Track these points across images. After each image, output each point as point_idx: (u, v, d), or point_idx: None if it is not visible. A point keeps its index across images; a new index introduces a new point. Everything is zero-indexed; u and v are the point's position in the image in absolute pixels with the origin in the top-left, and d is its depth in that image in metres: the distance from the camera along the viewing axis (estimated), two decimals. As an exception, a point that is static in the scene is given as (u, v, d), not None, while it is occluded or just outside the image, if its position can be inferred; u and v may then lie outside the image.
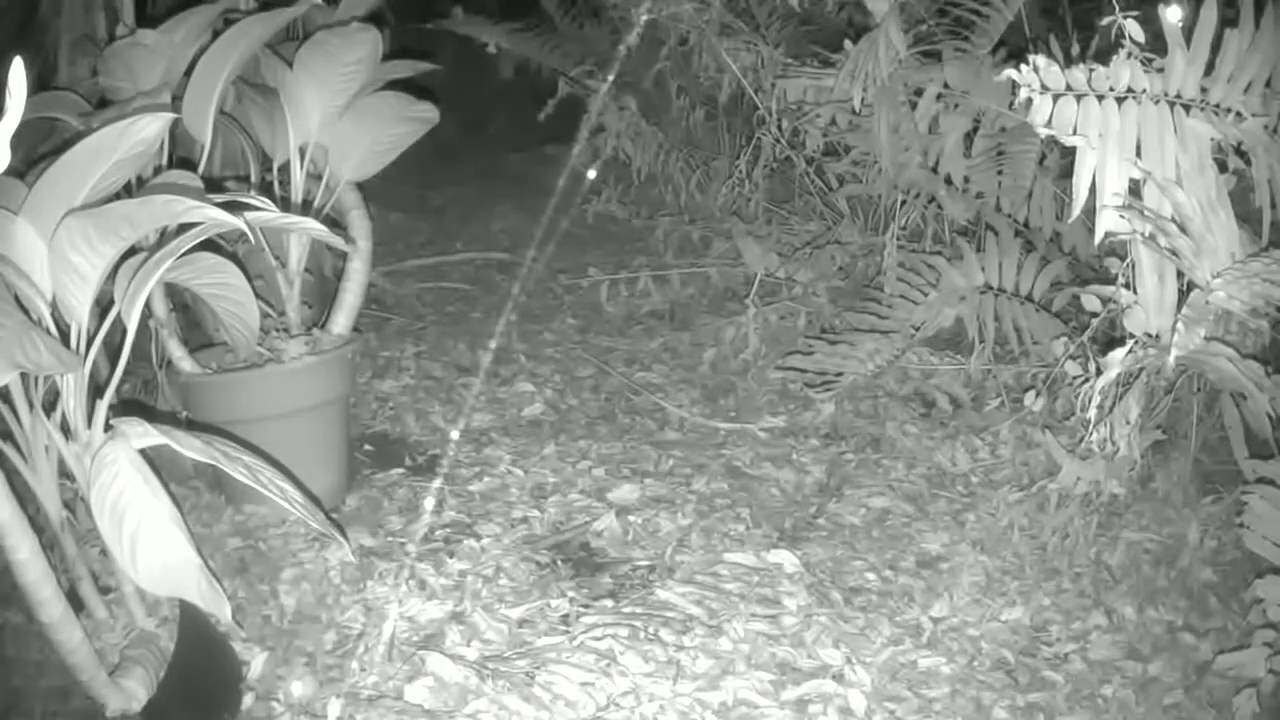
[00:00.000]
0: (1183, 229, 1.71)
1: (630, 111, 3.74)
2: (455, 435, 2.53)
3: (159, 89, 1.89)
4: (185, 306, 2.35)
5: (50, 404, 1.50)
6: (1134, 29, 1.66)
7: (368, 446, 2.46)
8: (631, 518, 2.17)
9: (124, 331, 1.51)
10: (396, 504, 2.20)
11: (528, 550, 2.04)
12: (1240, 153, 1.81)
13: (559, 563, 2.01)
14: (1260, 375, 1.79)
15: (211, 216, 1.35)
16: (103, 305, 1.52)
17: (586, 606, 1.87)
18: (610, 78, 3.79)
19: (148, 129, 1.40)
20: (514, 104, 4.48)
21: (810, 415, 2.59)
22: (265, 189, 2.15)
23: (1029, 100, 1.66)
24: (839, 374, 2.40)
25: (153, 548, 1.35)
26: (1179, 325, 1.73)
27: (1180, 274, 1.85)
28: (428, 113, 2.18)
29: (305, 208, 2.14)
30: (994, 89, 2.50)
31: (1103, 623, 1.86)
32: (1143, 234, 1.73)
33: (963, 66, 2.65)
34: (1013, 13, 2.68)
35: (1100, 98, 1.69)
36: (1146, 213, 1.70)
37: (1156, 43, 1.73)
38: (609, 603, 1.88)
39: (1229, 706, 1.64)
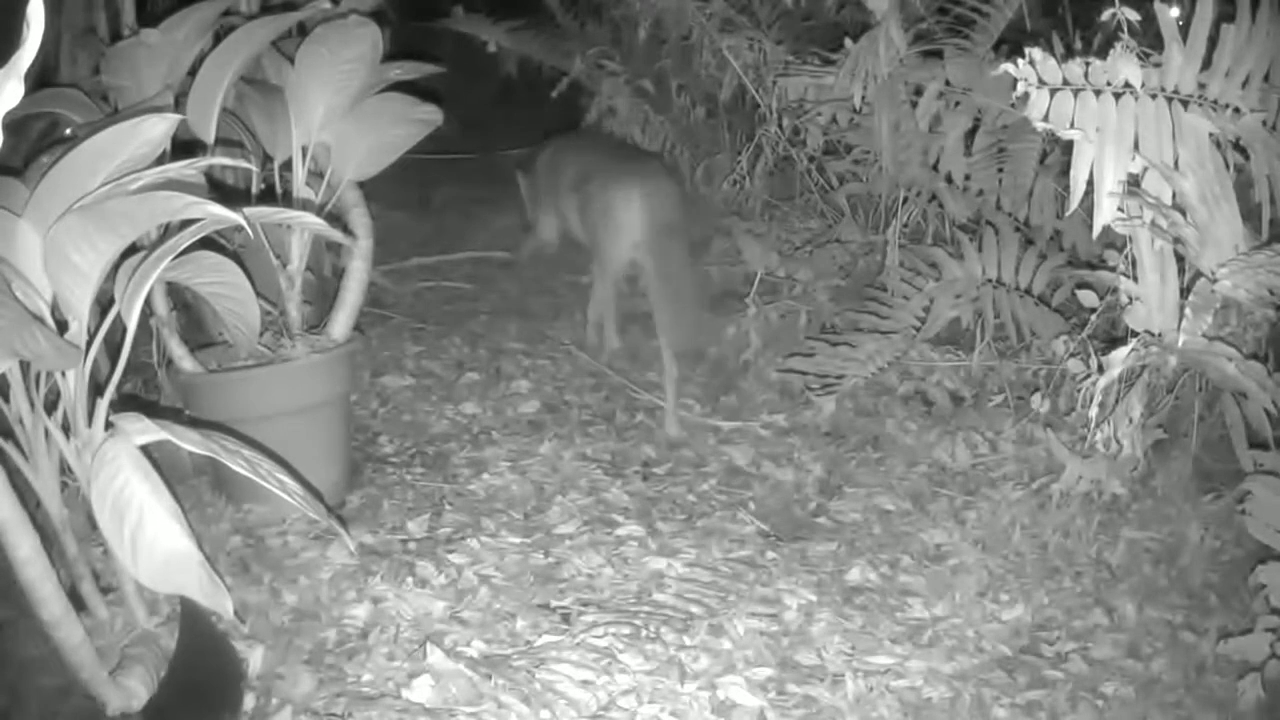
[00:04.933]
0: (1186, 217, 1.72)
1: (641, 99, 3.76)
2: (455, 433, 2.53)
3: (164, 93, 1.89)
4: (186, 305, 2.35)
5: (51, 402, 1.50)
6: (1131, 14, 1.67)
7: (369, 445, 2.47)
8: (631, 516, 2.17)
9: (124, 329, 1.51)
10: (397, 502, 2.20)
11: (528, 548, 2.04)
12: (1239, 147, 1.81)
13: (559, 560, 2.00)
14: (1262, 375, 1.80)
15: (211, 212, 1.35)
16: (103, 304, 1.52)
17: (586, 604, 1.87)
18: (614, 70, 3.81)
19: (155, 130, 1.40)
20: (514, 103, 4.48)
21: (811, 413, 2.59)
22: (266, 187, 2.15)
23: (1026, 94, 1.66)
24: (840, 376, 2.40)
25: (153, 543, 1.35)
26: (1187, 312, 1.74)
27: (1181, 273, 1.86)
28: (431, 115, 2.18)
29: (306, 205, 2.14)
30: (995, 86, 2.50)
31: (1104, 621, 1.86)
32: (1145, 222, 1.73)
33: (963, 64, 2.65)
34: (1013, 10, 2.68)
35: (1098, 92, 1.70)
36: (1149, 199, 1.71)
37: (1156, 40, 1.74)
38: (609, 601, 1.88)
39: (1230, 705, 1.64)
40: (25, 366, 1.45)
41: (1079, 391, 2.02)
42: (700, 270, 2.66)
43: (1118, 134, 1.70)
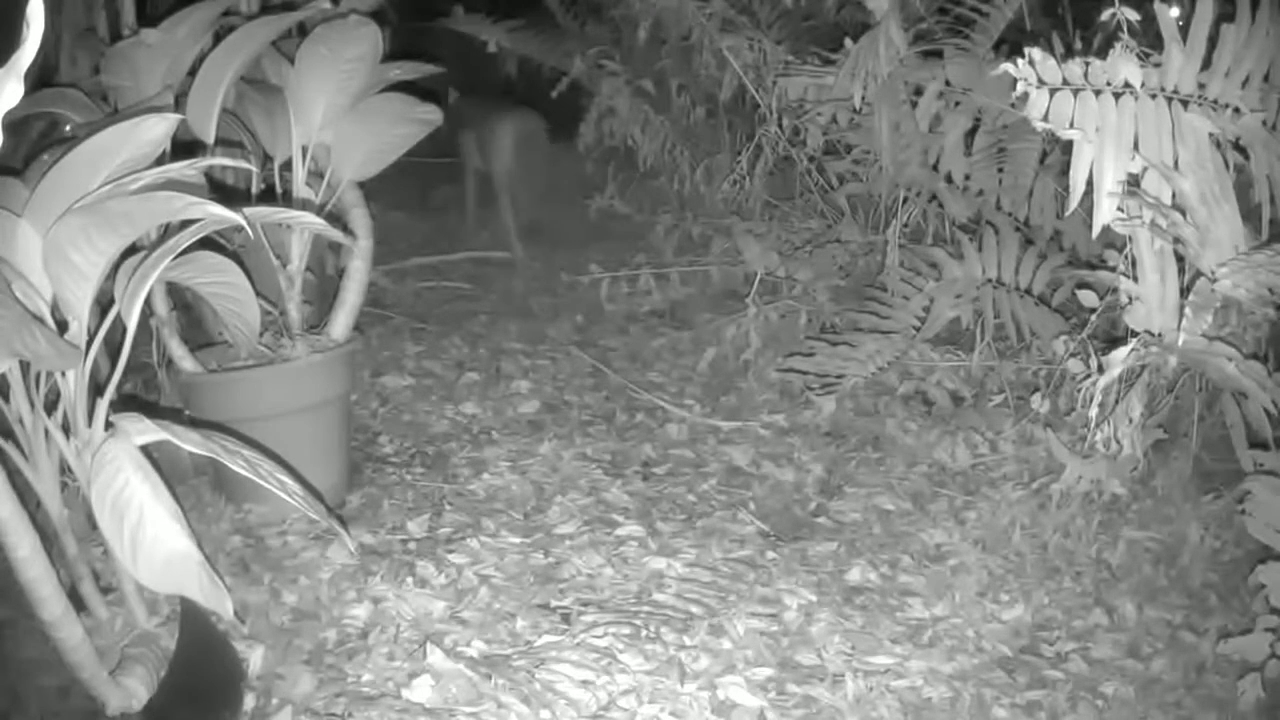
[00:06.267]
0: (1186, 217, 1.72)
1: (641, 100, 3.77)
2: (455, 433, 2.53)
3: (164, 93, 1.89)
4: (186, 305, 2.35)
5: (51, 402, 1.50)
6: (1131, 14, 1.67)
7: (369, 445, 2.47)
8: (631, 516, 2.17)
9: (124, 329, 1.51)
10: (397, 502, 2.20)
11: (528, 548, 2.04)
12: (1239, 147, 1.81)
13: (559, 560, 2.00)
14: (1262, 375, 1.80)
15: (211, 212, 1.35)
16: (103, 304, 1.52)
17: (586, 604, 1.87)
18: (614, 70, 3.81)
19: (155, 129, 1.40)
20: (514, 102, 4.47)
21: (811, 413, 2.59)
22: (266, 187, 2.15)
23: (1026, 94, 1.66)
24: (840, 376, 2.40)
25: (153, 544, 1.35)
26: (1187, 312, 1.74)
27: (1181, 273, 1.86)
28: (431, 115, 2.18)
29: (306, 205, 2.14)
30: (995, 86, 2.50)
31: (1104, 621, 1.86)
32: (1145, 222, 1.73)
33: (963, 64, 2.65)
34: (1013, 10, 2.68)
35: (1097, 92, 1.70)
36: (1149, 199, 1.71)
37: (1156, 40, 1.74)
38: (609, 601, 1.88)
39: (1229, 705, 1.64)
40: (25, 366, 1.45)
41: (1079, 391, 2.02)
42: (551, 172, 4.03)
43: (1117, 134, 1.70)
